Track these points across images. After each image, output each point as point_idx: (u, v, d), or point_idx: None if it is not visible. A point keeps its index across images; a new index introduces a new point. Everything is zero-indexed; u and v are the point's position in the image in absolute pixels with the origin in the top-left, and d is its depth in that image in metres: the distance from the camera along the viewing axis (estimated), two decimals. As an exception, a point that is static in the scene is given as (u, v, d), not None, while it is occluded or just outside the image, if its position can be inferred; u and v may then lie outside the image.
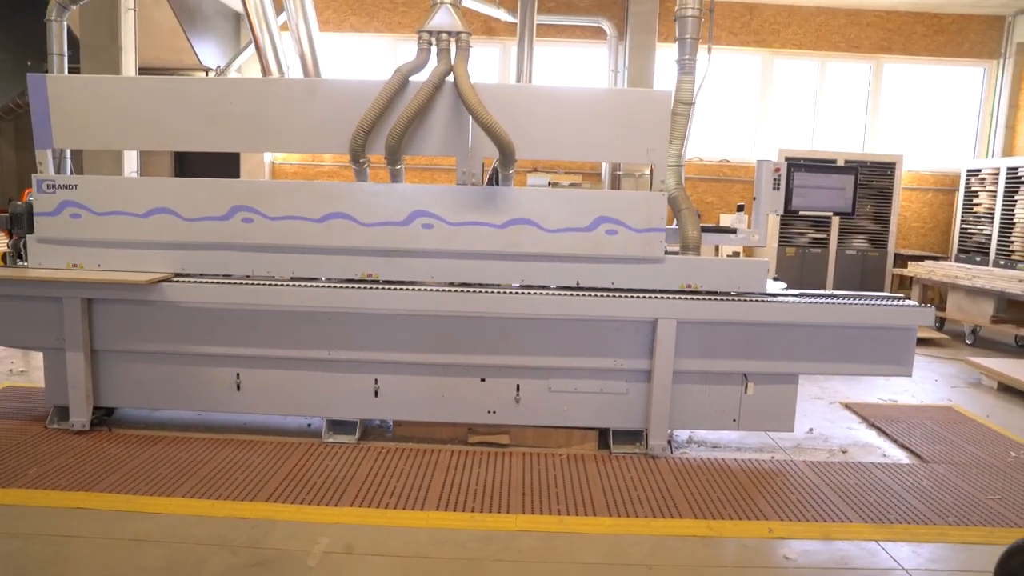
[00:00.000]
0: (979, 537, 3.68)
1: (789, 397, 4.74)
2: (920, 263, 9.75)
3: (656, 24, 10.59)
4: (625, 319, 4.53)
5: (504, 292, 4.49)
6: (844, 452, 4.86)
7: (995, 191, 9.79)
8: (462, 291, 4.48)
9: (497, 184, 4.73)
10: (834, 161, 9.70)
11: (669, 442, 4.72)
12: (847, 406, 5.88)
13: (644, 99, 4.63)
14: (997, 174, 9.78)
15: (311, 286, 4.51)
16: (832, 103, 11.34)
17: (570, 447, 4.71)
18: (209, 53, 10.37)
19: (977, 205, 10.20)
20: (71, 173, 5.08)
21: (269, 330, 4.62)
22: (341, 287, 4.50)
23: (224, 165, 10.28)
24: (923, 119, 11.37)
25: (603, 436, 4.75)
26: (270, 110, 4.56)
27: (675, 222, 4.89)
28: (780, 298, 4.62)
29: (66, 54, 5.38)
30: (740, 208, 5.87)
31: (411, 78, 4.45)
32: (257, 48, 7.96)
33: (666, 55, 10.74)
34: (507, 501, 3.90)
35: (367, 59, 11.25)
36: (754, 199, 5.12)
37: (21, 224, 4.71)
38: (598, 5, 10.91)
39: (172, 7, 9.42)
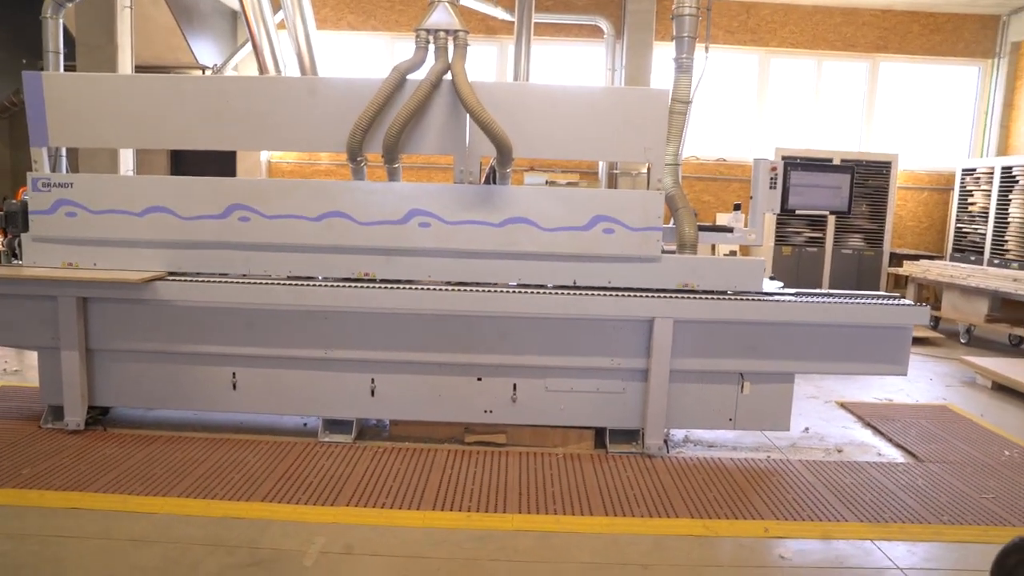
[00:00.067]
0: (974, 536, 3.70)
1: (785, 396, 4.75)
2: (915, 262, 9.77)
3: (653, 23, 10.59)
4: (622, 318, 4.53)
5: (501, 291, 4.48)
6: (840, 451, 4.87)
7: (990, 190, 9.81)
8: (459, 290, 4.48)
9: (494, 183, 4.73)
10: (830, 160, 9.72)
11: (666, 441, 4.72)
12: (843, 405, 5.89)
13: (641, 98, 4.63)
14: (992, 173, 9.80)
15: (307, 285, 4.50)
16: (828, 102, 11.35)
17: (567, 446, 4.71)
18: (206, 51, 10.34)
19: (972, 204, 10.22)
20: (67, 171, 5.06)
21: (265, 329, 4.61)
22: (337, 286, 4.49)
23: (220, 163, 10.26)
24: (919, 118, 11.39)
25: (600, 435, 4.75)
26: (267, 109, 4.55)
27: (672, 221, 4.89)
28: (777, 297, 4.63)
29: (62, 52, 5.36)
30: (737, 207, 5.87)
31: (409, 77, 4.45)
32: (254, 46, 7.94)
33: (663, 54, 10.74)
34: (504, 501, 3.90)
35: (364, 57, 11.24)
36: (751, 198, 5.12)
37: (16, 223, 4.70)
38: (595, 4, 10.91)
39: (169, 5, 9.39)
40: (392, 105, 4.40)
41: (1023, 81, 10.89)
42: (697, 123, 10.55)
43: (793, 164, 5.15)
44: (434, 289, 4.48)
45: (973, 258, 9.99)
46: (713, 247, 9.27)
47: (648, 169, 4.64)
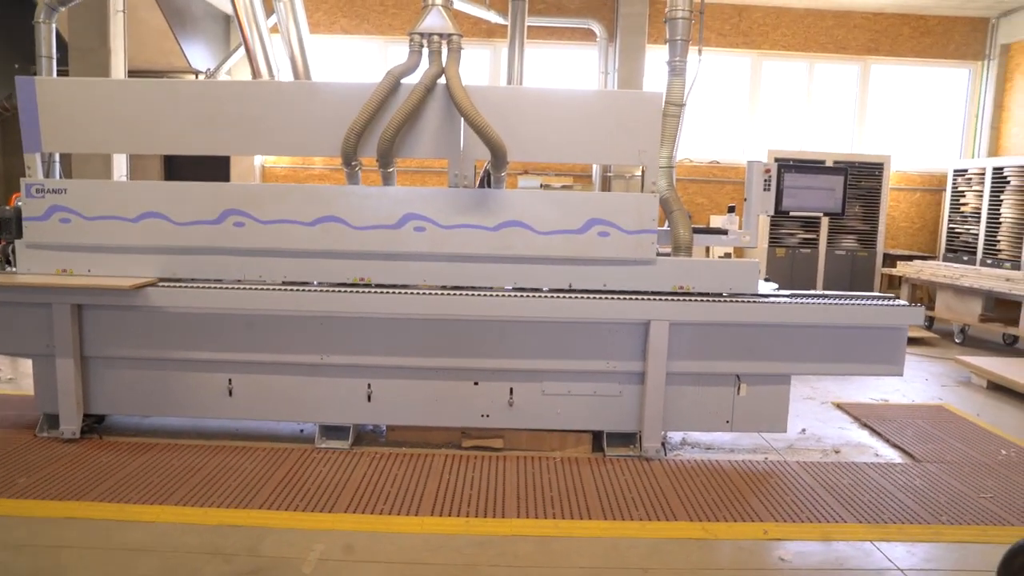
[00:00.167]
0: (973, 536, 3.70)
1: (782, 398, 4.75)
2: (909, 263, 9.81)
3: (646, 26, 10.61)
4: (618, 321, 4.53)
5: (497, 295, 4.48)
6: (837, 452, 4.88)
7: (981, 191, 9.86)
8: (454, 294, 4.47)
9: (489, 186, 4.73)
10: (823, 162, 9.75)
11: (663, 444, 4.72)
12: (839, 406, 5.91)
13: (635, 101, 4.64)
14: (983, 174, 9.85)
15: (301, 290, 4.48)
16: (820, 104, 11.40)
17: (564, 450, 4.71)
18: (199, 55, 10.32)
19: (964, 205, 10.27)
20: (60, 177, 5.03)
21: (261, 335, 4.59)
22: (332, 291, 4.48)
23: (214, 168, 10.22)
24: (910, 120, 11.44)
25: (597, 439, 4.75)
26: (261, 113, 4.54)
27: (666, 223, 4.90)
28: (772, 299, 4.63)
29: (55, 57, 5.33)
30: (731, 209, 5.88)
31: (402, 80, 4.44)
32: (247, 50, 7.92)
33: (656, 57, 10.76)
34: (502, 505, 3.89)
35: (357, 61, 11.22)
36: (745, 200, 5.13)
37: (9, 229, 4.66)
38: (588, 7, 10.92)
39: (161, 9, 9.37)
40: (386, 109, 4.39)
41: (1013, 83, 10.95)
42: (690, 125, 10.56)
43: (787, 166, 5.17)
44: (429, 293, 4.47)
45: (966, 258, 10.04)
46: (707, 249, 9.29)
47: (642, 172, 4.64)
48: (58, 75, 5.43)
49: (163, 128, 4.56)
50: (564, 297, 4.47)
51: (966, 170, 10.28)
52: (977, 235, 9.89)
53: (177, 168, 10.70)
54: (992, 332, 8.73)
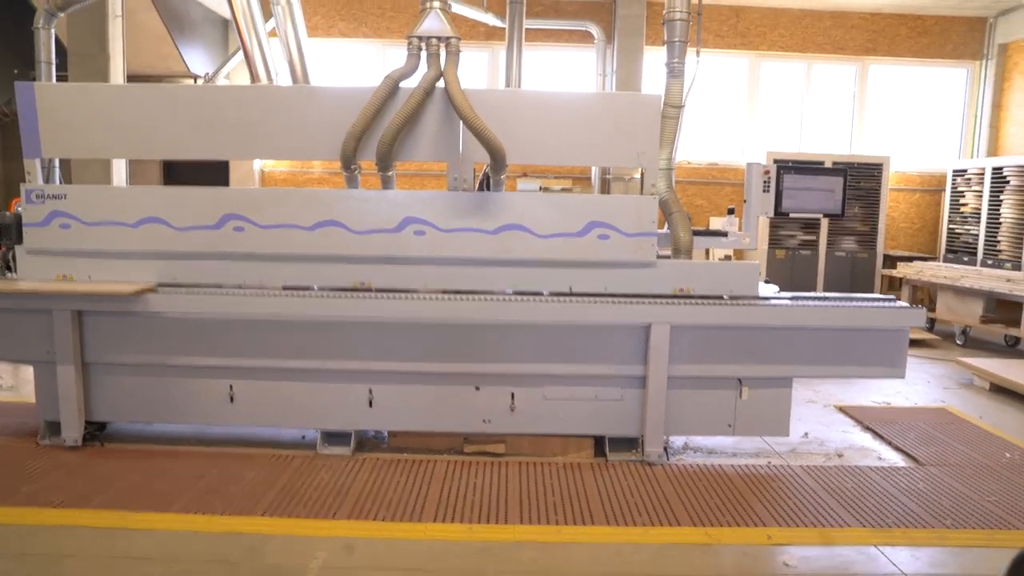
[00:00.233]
0: (978, 540, 3.69)
1: (784, 401, 4.74)
2: (909, 264, 9.81)
3: (643, 28, 10.61)
4: (618, 324, 4.52)
5: (497, 299, 4.47)
6: (840, 456, 4.87)
7: (981, 191, 9.86)
8: (455, 298, 4.46)
9: (488, 189, 4.72)
10: (822, 163, 9.76)
11: (665, 449, 4.71)
12: (841, 409, 5.89)
13: (634, 103, 4.63)
14: (983, 174, 9.85)
15: (301, 295, 4.47)
16: (819, 105, 11.40)
17: (566, 455, 4.69)
18: (197, 60, 10.31)
19: (964, 205, 10.27)
20: (60, 182, 5.02)
21: (262, 340, 4.58)
22: (332, 296, 4.46)
23: (213, 173, 10.22)
24: (909, 120, 11.44)
25: (599, 444, 4.74)
26: (259, 117, 4.52)
27: (666, 226, 4.89)
28: (772, 301, 4.62)
29: (54, 62, 5.32)
30: (731, 211, 5.88)
31: (401, 84, 4.43)
32: (245, 55, 7.90)
33: (653, 58, 10.76)
34: (504, 511, 3.88)
35: (356, 65, 11.22)
36: (744, 202, 5.12)
37: (10, 235, 4.64)
38: (585, 9, 10.93)
39: (160, 14, 9.36)
40: (385, 113, 4.38)
41: (1011, 82, 10.95)
42: (688, 127, 10.57)
43: (786, 167, 5.17)
44: (430, 298, 4.46)
45: (966, 259, 10.03)
46: (707, 251, 9.28)
47: (641, 174, 4.63)
48: (57, 80, 5.42)
49: (162, 133, 4.55)
50: (564, 301, 4.46)
51: (965, 170, 10.29)
52: (977, 235, 9.89)
53: (176, 173, 10.68)
54: (994, 333, 8.72)
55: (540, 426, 4.67)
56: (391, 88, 4.38)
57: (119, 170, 8.43)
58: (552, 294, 4.58)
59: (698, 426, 4.76)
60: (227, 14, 9.45)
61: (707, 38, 10.75)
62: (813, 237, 10.13)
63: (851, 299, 4.82)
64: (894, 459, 4.85)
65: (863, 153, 10.97)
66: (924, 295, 9.90)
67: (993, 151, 11.11)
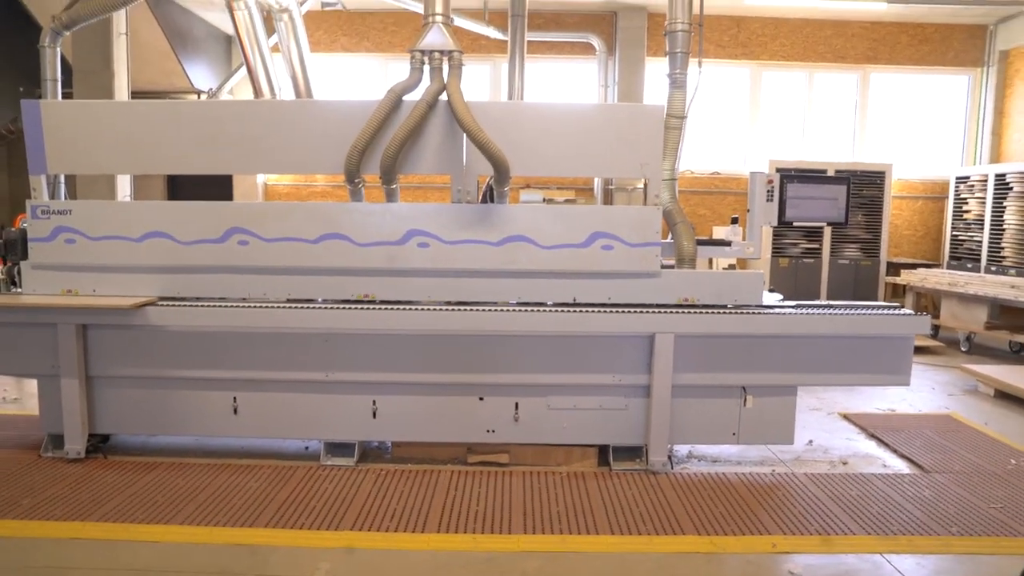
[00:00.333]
0: (984, 548, 3.67)
1: (788, 409, 4.73)
2: (913, 271, 9.78)
3: (645, 39, 10.69)
4: (623, 334, 4.53)
5: (501, 310, 4.48)
6: (844, 463, 4.85)
7: (984, 198, 9.86)
8: (459, 310, 4.47)
9: (492, 201, 4.73)
10: (824, 171, 9.76)
11: (669, 457, 4.70)
12: (846, 417, 5.88)
13: (637, 114, 4.65)
14: (985, 181, 9.85)
15: (305, 307, 4.48)
16: (821, 113, 11.42)
17: (570, 465, 4.69)
18: (201, 76, 10.39)
19: (967, 212, 10.26)
20: (65, 198, 5.06)
21: (266, 353, 4.59)
22: (336, 308, 4.48)
23: (216, 187, 10.28)
24: (911, 127, 11.45)
25: (603, 453, 4.73)
26: (263, 132, 4.56)
27: (670, 236, 4.90)
28: (777, 310, 4.63)
29: (59, 79, 5.38)
30: (734, 220, 5.89)
31: (404, 98, 4.46)
32: (248, 70, 7.97)
33: (655, 69, 10.82)
34: (508, 521, 3.87)
35: (358, 79, 11.29)
36: (748, 211, 5.13)
37: (15, 250, 4.69)
38: (587, 21, 10.99)
39: (163, 30, 9.44)
40: (389, 126, 4.41)
41: (1013, 89, 10.96)
42: (691, 137, 10.60)
43: (789, 176, 5.17)
44: (434, 309, 4.47)
45: (970, 265, 10.02)
46: (711, 261, 9.28)
47: (644, 184, 4.65)
48: (62, 97, 5.47)
49: (166, 148, 4.59)
50: (569, 311, 4.47)
51: (968, 177, 10.29)
52: (981, 242, 9.88)
53: (180, 188, 10.75)
54: (998, 340, 8.69)
55: (544, 436, 4.67)
56: (394, 102, 4.41)
57: (124, 185, 8.49)
58: (556, 305, 4.59)
59: (702, 435, 4.75)
60: (230, 30, 9.53)
61: (709, 48, 10.80)
62: (816, 245, 10.13)
63: (855, 307, 4.82)
64: (899, 466, 4.83)
65: (865, 161, 10.98)
66: (928, 302, 9.88)
67: (996, 158, 11.11)
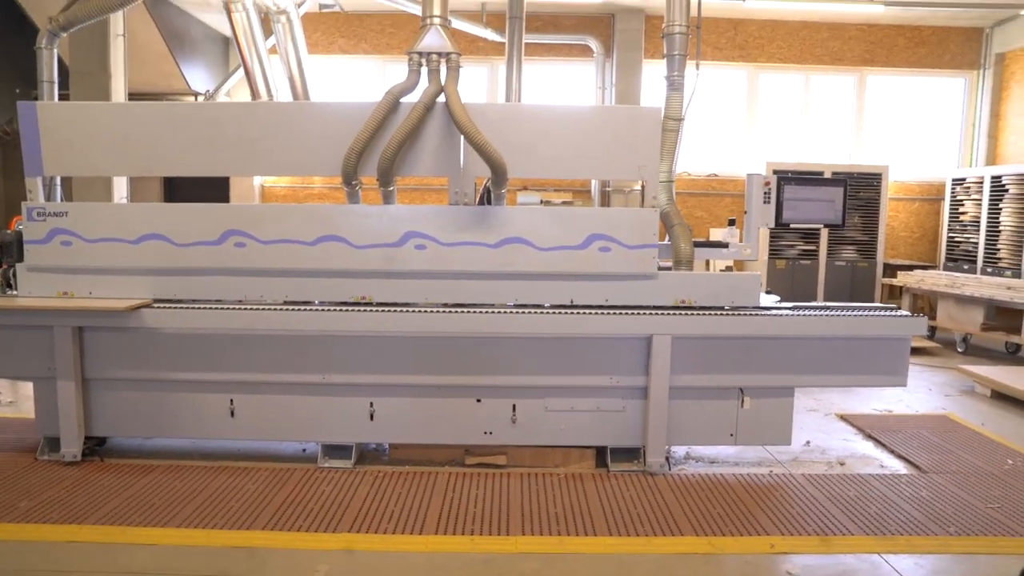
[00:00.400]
0: (982, 547, 3.67)
1: (786, 410, 4.74)
2: (909, 272, 9.81)
3: (642, 41, 10.71)
4: (620, 336, 4.53)
5: (498, 312, 4.48)
6: (842, 464, 4.85)
7: (980, 200, 9.88)
8: (456, 312, 4.47)
9: (489, 203, 4.74)
10: (821, 173, 9.78)
11: (667, 459, 4.70)
12: (842, 417, 5.88)
13: (634, 116, 4.65)
14: (981, 183, 9.88)
15: (300, 309, 4.48)
16: (817, 115, 11.44)
17: (568, 466, 4.69)
18: (198, 77, 10.38)
19: (963, 214, 10.29)
20: (61, 201, 5.06)
21: (262, 355, 4.58)
22: (333, 310, 4.47)
23: (213, 189, 10.26)
24: (907, 130, 11.48)
25: (600, 454, 4.73)
26: (260, 134, 4.56)
27: (667, 238, 4.90)
28: (774, 311, 4.63)
29: (56, 81, 5.37)
30: (731, 222, 5.90)
31: (402, 100, 4.46)
32: (246, 72, 7.97)
33: (652, 71, 10.84)
34: (506, 522, 3.87)
35: (356, 81, 11.29)
36: (745, 213, 5.14)
37: (11, 253, 4.68)
38: (584, 24, 11.00)
39: (161, 32, 9.44)
40: (386, 128, 4.41)
41: (1009, 92, 11.00)
42: (688, 139, 10.61)
43: (786, 178, 5.18)
44: (431, 311, 4.47)
45: (966, 267, 10.04)
46: (708, 263, 9.29)
47: (642, 186, 4.66)
48: (59, 99, 5.46)
49: (163, 150, 4.59)
50: (566, 313, 4.47)
51: (964, 179, 10.32)
52: (977, 244, 9.91)
53: (177, 190, 10.75)
54: (995, 341, 8.71)
55: (542, 437, 4.67)
56: (392, 104, 4.41)
57: (120, 187, 8.48)
58: (553, 306, 4.59)
59: (700, 436, 4.75)
60: (228, 32, 9.53)
61: (706, 50, 10.82)
62: (813, 247, 10.15)
63: (852, 308, 4.83)
64: (896, 467, 4.83)
65: (862, 163, 11.01)
66: (924, 303, 9.90)
67: (992, 160, 11.14)
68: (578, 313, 4.47)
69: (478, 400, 4.64)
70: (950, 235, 10.55)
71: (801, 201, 5.29)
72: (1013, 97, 10.91)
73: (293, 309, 4.48)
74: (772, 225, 5.12)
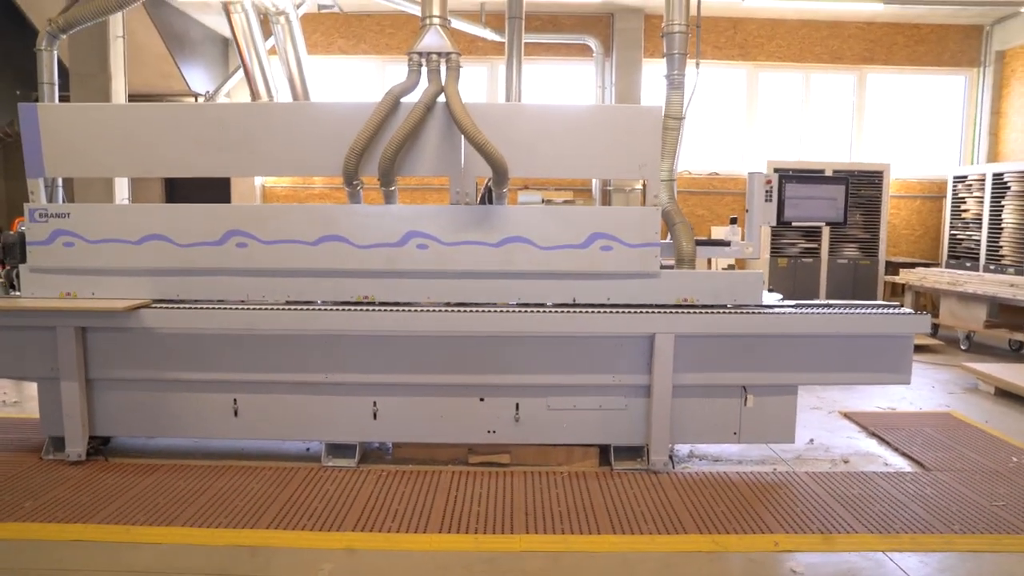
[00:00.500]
0: (987, 545, 3.67)
1: (789, 408, 4.73)
2: (912, 270, 9.80)
3: (641, 40, 10.70)
4: (622, 335, 4.52)
5: (500, 311, 4.48)
6: (846, 462, 4.85)
7: (982, 197, 9.88)
8: (458, 311, 4.47)
9: (490, 203, 4.73)
10: (822, 171, 9.77)
11: (670, 457, 4.69)
12: (846, 415, 5.88)
13: (635, 115, 4.64)
14: (983, 180, 9.87)
15: (303, 309, 4.48)
16: (818, 114, 11.44)
17: (571, 464, 4.68)
18: (198, 78, 10.39)
19: (965, 211, 10.28)
20: (63, 202, 5.06)
21: (266, 355, 4.58)
22: (335, 310, 4.47)
23: (214, 190, 10.27)
24: (908, 127, 11.47)
25: (604, 453, 4.73)
26: (261, 134, 4.56)
27: (669, 236, 4.90)
28: (776, 310, 4.63)
29: (56, 83, 5.37)
30: (733, 221, 5.89)
31: (402, 100, 4.46)
32: (246, 73, 7.97)
33: (651, 70, 10.83)
34: (510, 521, 3.86)
35: (356, 81, 11.29)
36: (746, 211, 5.14)
37: (14, 254, 4.69)
38: (584, 23, 11.00)
39: (160, 33, 9.44)
40: (387, 128, 4.41)
41: (1009, 89, 10.99)
42: (688, 137, 10.60)
43: (788, 177, 5.17)
44: (433, 311, 4.47)
45: (969, 264, 10.03)
46: (710, 261, 9.29)
47: (643, 185, 4.66)
48: (59, 101, 5.46)
49: (164, 151, 4.59)
50: (568, 312, 4.47)
51: (966, 176, 10.31)
52: (979, 241, 9.90)
53: (178, 191, 10.76)
54: (998, 338, 8.70)
55: (545, 436, 4.67)
56: (392, 104, 4.41)
57: (121, 188, 8.48)
58: (556, 305, 4.58)
59: (703, 434, 4.75)
60: (227, 33, 9.53)
61: (706, 49, 10.81)
62: (815, 245, 10.14)
63: (855, 306, 4.82)
64: (900, 465, 4.83)
65: (863, 161, 11.00)
66: (927, 301, 9.89)
67: (993, 157, 11.13)
68: (580, 312, 4.47)
69: (481, 399, 4.64)
70: (952, 232, 10.54)
71: (803, 199, 5.28)
72: (1014, 94, 10.90)
73: (295, 309, 4.48)
74: (774, 223, 5.11)
